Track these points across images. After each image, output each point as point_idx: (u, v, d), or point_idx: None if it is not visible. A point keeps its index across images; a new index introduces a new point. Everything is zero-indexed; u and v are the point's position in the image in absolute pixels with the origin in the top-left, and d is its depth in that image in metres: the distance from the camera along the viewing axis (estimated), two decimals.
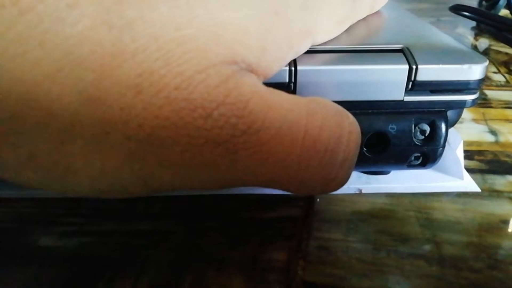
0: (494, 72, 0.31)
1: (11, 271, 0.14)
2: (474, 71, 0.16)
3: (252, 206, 0.17)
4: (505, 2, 0.39)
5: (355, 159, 0.13)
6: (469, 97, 0.17)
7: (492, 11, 0.37)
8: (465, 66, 0.16)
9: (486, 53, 0.35)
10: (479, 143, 0.22)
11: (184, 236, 0.16)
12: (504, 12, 0.38)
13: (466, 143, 0.21)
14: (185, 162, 0.10)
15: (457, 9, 0.36)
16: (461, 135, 0.20)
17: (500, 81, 0.29)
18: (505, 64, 0.32)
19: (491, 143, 0.22)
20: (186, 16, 0.10)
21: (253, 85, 0.11)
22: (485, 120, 0.24)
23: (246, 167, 0.11)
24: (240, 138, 0.10)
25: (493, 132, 0.23)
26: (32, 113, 0.09)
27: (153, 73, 0.09)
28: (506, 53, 0.34)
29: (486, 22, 0.36)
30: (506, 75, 0.30)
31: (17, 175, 0.10)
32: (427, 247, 0.15)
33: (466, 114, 0.24)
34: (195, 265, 0.15)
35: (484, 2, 0.44)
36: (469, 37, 0.40)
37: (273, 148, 0.11)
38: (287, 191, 0.13)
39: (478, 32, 0.41)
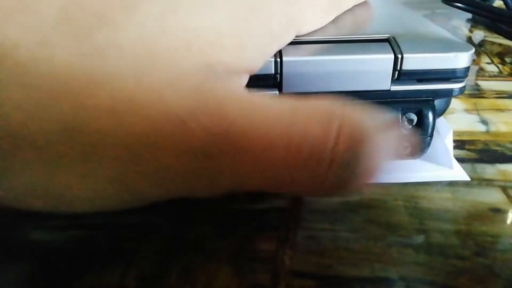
0: (487, 63, 0.31)
1: (4, 263, 0.15)
2: (460, 59, 0.16)
3: (241, 197, 0.17)
4: None
5: (353, 161, 0.12)
6: (456, 86, 0.17)
7: (487, 2, 0.37)
8: (451, 55, 0.16)
9: (480, 44, 0.35)
10: (470, 133, 0.22)
11: (171, 228, 0.16)
12: (498, 3, 0.38)
13: (457, 133, 0.21)
14: (170, 175, 0.11)
15: (451, 1, 0.36)
16: (453, 125, 0.20)
17: (493, 72, 0.29)
18: (499, 55, 0.32)
19: (482, 132, 0.22)
20: (156, 30, 0.10)
21: (230, 90, 0.11)
22: (476, 110, 0.24)
23: (232, 176, 0.11)
24: (219, 144, 0.10)
25: (484, 121, 0.23)
26: (20, 151, 0.09)
27: (126, 93, 0.09)
28: (500, 44, 0.34)
29: (480, 13, 0.36)
30: (499, 66, 0.30)
31: (20, 203, 0.12)
32: (415, 236, 0.15)
33: (458, 104, 0.24)
34: (182, 256, 0.15)
35: None
36: (464, 29, 0.39)
37: (256, 154, 0.11)
38: (282, 194, 0.13)
39: (473, 24, 0.40)
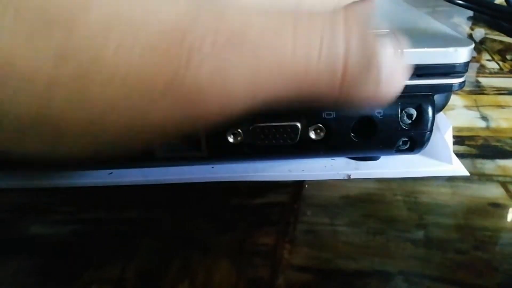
0: (488, 60, 0.31)
1: (5, 258, 0.15)
2: (460, 54, 0.16)
3: (241, 193, 0.17)
4: None
5: (367, 59, 0.11)
6: (455, 81, 0.17)
7: None
8: (451, 49, 0.16)
9: (481, 42, 0.35)
10: (470, 129, 0.22)
11: (172, 223, 0.16)
12: (499, 0, 0.38)
13: (457, 129, 0.21)
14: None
15: None
16: (453, 121, 0.20)
17: (493, 69, 0.29)
18: (499, 52, 0.32)
19: (482, 128, 0.22)
20: None
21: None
22: (477, 106, 0.24)
23: (250, 77, 0.10)
24: (225, 45, 0.10)
25: (484, 117, 0.23)
26: (11, 81, 0.09)
27: (118, 14, 0.09)
28: (501, 41, 0.34)
29: (481, 10, 0.35)
30: (500, 63, 0.30)
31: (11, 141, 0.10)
32: (414, 230, 0.15)
33: (458, 100, 0.24)
34: (182, 251, 0.15)
35: None
36: (465, 27, 0.39)
37: (262, 47, 0.10)
38: (301, 103, 0.12)
39: (474, 21, 0.40)
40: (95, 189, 0.18)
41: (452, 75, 0.17)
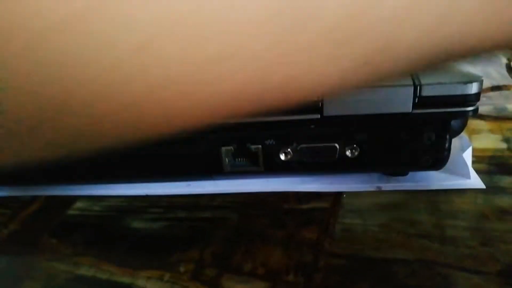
0: None
1: (116, 243, 0.20)
2: (471, 87, 0.20)
3: (291, 200, 0.22)
4: None
5: None
6: (469, 109, 0.20)
7: None
8: (462, 84, 0.20)
9: None
10: (492, 150, 0.25)
11: (238, 221, 0.21)
12: None
13: (480, 150, 0.24)
14: None
15: None
16: (478, 143, 0.23)
17: None
18: None
19: (503, 149, 0.25)
20: None
21: None
22: (501, 130, 0.27)
23: None
24: None
25: (506, 140, 0.26)
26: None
27: None
28: None
29: None
30: None
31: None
32: (431, 230, 0.19)
33: (485, 125, 0.27)
34: (245, 241, 0.19)
35: None
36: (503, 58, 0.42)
37: None
38: None
39: None
40: (177, 196, 0.23)
41: (465, 104, 0.20)
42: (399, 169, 0.22)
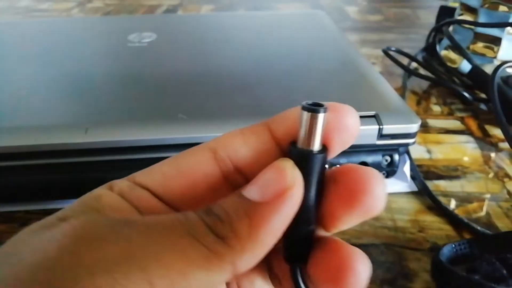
0: (434, 104, 0.45)
1: None
2: (412, 128, 0.30)
3: None
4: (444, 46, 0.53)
5: None
6: (411, 140, 0.31)
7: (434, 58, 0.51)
8: (408, 125, 0.30)
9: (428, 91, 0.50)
10: (419, 160, 0.36)
11: None
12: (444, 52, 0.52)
13: (414, 160, 0.36)
14: None
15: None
16: (409, 154, 0.34)
17: (437, 111, 0.44)
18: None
19: (427, 159, 0.36)
20: None
21: None
22: (424, 143, 0.38)
23: None
24: None
25: (429, 151, 0.37)
26: None
27: None
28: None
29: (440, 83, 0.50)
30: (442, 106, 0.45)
31: None
32: (388, 222, 0.30)
33: None
34: None
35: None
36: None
37: None
38: None
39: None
40: None
41: (408, 137, 0.31)
42: None
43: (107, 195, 0.14)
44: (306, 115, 0.13)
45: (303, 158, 0.14)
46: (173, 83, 0.35)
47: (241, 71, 0.38)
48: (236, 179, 0.15)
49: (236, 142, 0.15)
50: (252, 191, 0.13)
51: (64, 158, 0.29)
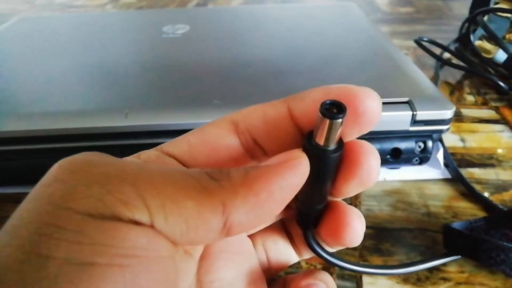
0: (468, 94, 0.45)
1: None
2: (447, 114, 0.30)
3: None
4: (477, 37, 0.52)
5: None
6: (445, 127, 0.31)
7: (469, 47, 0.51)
8: (442, 111, 0.30)
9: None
10: (453, 148, 0.36)
11: None
12: (478, 42, 0.51)
13: (449, 148, 0.35)
14: None
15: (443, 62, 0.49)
16: (442, 142, 0.34)
17: (471, 101, 0.43)
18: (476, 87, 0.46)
19: (460, 147, 0.36)
20: None
21: None
22: (458, 131, 0.38)
23: None
24: None
25: (462, 140, 0.37)
26: None
27: None
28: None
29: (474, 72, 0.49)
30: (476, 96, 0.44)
31: None
32: (421, 207, 0.30)
33: None
34: None
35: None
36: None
37: None
38: None
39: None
40: None
41: (442, 124, 0.31)
42: (399, 166, 0.33)
43: (132, 161, 0.15)
44: (323, 119, 0.13)
45: (317, 156, 0.14)
46: (207, 71, 0.36)
47: (274, 59, 0.38)
48: (255, 151, 0.16)
49: (255, 117, 0.15)
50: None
51: (105, 141, 0.30)
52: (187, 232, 0.12)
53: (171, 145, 0.15)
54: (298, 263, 0.26)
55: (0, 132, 0.29)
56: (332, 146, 0.13)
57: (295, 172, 0.13)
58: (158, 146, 0.16)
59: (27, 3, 0.85)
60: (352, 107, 0.13)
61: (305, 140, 0.14)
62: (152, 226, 0.12)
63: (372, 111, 0.13)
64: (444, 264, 0.25)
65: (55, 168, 0.12)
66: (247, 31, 0.46)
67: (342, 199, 0.17)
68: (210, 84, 0.34)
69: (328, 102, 0.13)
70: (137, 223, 0.11)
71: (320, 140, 0.13)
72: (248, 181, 0.13)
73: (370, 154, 0.14)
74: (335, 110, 0.13)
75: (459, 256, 0.25)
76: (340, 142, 0.14)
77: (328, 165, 0.14)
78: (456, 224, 0.26)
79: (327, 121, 0.13)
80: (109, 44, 0.43)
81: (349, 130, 0.14)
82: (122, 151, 0.31)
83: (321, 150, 0.13)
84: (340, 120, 0.13)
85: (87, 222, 0.11)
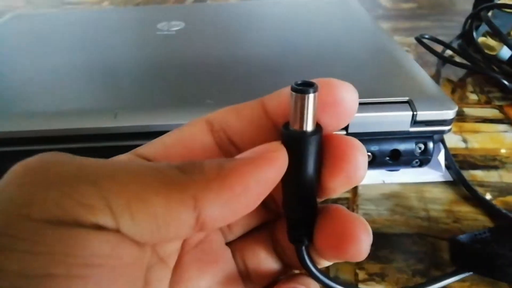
0: (470, 92, 0.43)
1: None
2: (448, 114, 0.29)
3: None
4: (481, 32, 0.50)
5: None
6: (446, 128, 0.30)
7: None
8: (444, 112, 0.29)
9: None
10: (454, 149, 0.35)
11: None
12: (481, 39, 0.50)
13: (450, 149, 0.34)
14: None
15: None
16: (444, 143, 0.33)
17: (473, 100, 0.42)
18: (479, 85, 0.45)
19: (462, 148, 0.35)
20: None
21: None
22: (460, 132, 0.37)
23: None
24: None
25: (465, 140, 0.36)
26: None
27: None
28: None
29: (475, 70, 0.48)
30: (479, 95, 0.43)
31: None
32: (421, 212, 0.28)
33: None
34: None
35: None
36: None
37: None
38: None
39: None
40: None
41: (444, 124, 0.29)
42: (399, 168, 0.31)
43: (93, 159, 0.14)
44: (295, 96, 0.13)
45: (295, 140, 0.13)
46: (201, 70, 0.35)
47: (269, 57, 0.37)
48: (230, 150, 0.15)
49: (230, 116, 0.15)
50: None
51: (93, 142, 0.29)
52: (157, 230, 0.11)
53: (145, 147, 0.15)
54: None
55: None
56: (309, 128, 0.13)
57: (273, 165, 0.13)
58: (132, 150, 0.15)
59: (23, 0, 0.84)
60: (328, 96, 0.13)
61: (282, 129, 0.14)
62: (117, 230, 0.11)
63: (347, 102, 0.14)
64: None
65: (10, 172, 0.12)
66: (243, 28, 0.45)
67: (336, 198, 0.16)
68: (203, 83, 0.33)
69: (299, 82, 0.13)
70: (100, 227, 0.11)
71: (296, 124, 0.13)
72: (223, 174, 0.12)
73: (357, 149, 0.14)
74: (306, 87, 0.13)
75: (470, 273, 0.23)
76: (318, 126, 0.14)
77: (308, 149, 0.13)
78: (462, 237, 0.24)
79: (299, 96, 0.13)
80: (101, 41, 0.42)
81: (326, 120, 0.14)
82: (111, 153, 0.30)
83: (298, 134, 0.13)
84: (311, 94, 0.13)
85: (44, 229, 0.10)
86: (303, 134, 0.13)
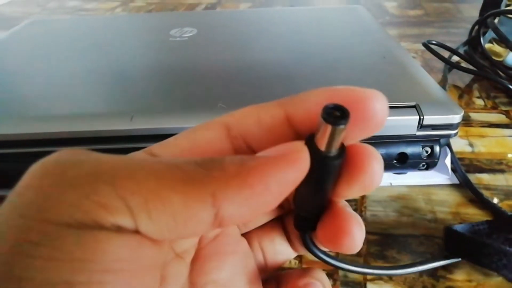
0: (477, 97, 0.44)
1: None
2: (455, 118, 0.30)
3: None
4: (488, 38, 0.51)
5: None
6: (452, 132, 0.30)
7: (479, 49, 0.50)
8: (450, 116, 0.30)
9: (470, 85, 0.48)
10: (461, 153, 0.35)
11: None
12: (488, 45, 0.50)
13: (456, 153, 0.35)
14: None
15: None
16: (450, 147, 0.33)
17: (480, 105, 0.42)
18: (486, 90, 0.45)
19: (469, 152, 0.35)
20: None
21: None
22: (467, 136, 0.37)
23: None
24: None
25: (471, 144, 0.36)
26: None
27: None
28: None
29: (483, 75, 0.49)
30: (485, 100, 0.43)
31: None
32: (427, 213, 0.29)
33: None
34: None
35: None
36: None
37: None
38: None
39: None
40: None
41: (450, 128, 0.30)
42: (406, 171, 0.32)
43: (108, 156, 0.14)
44: (325, 125, 0.12)
45: (318, 161, 0.13)
46: (213, 75, 0.36)
47: (280, 63, 0.38)
48: (246, 153, 0.15)
49: (250, 122, 0.14)
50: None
51: (109, 144, 0.30)
52: (175, 227, 0.11)
53: (160, 147, 0.15)
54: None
55: (9, 135, 0.30)
56: (334, 152, 0.13)
57: (295, 166, 0.12)
58: (146, 148, 0.15)
59: (39, 6, 0.86)
60: (359, 111, 0.13)
61: (306, 144, 0.13)
62: (136, 231, 0.11)
63: (380, 115, 0.13)
64: (450, 272, 0.25)
65: (27, 174, 0.11)
66: (254, 34, 0.46)
67: (345, 200, 0.16)
68: (216, 87, 0.34)
69: (330, 106, 0.12)
70: (119, 228, 0.11)
71: (321, 145, 0.13)
72: (243, 172, 0.12)
73: (374, 158, 0.13)
74: (338, 114, 0.12)
75: (459, 259, 0.25)
76: (342, 147, 0.13)
77: (329, 172, 0.14)
78: (459, 227, 0.26)
79: (329, 127, 0.12)
80: (116, 47, 0.44)
81: (354, 135, 0.13)
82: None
83: (322, 157, 0.13)
84: (343, 126, 0.12)
85: (65, 234, 0.10)
86: (327, 159, 0.13)
